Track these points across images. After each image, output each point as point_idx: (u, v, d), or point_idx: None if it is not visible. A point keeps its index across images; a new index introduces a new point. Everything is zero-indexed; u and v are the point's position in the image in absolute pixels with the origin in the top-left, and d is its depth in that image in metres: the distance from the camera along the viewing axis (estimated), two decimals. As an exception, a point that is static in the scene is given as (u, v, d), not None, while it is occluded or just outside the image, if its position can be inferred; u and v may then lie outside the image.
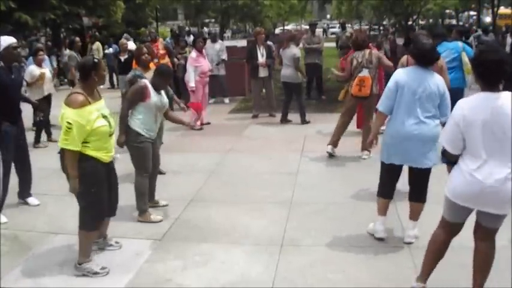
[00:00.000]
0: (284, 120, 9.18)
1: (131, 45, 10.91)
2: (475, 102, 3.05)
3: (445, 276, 3.61)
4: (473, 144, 3.04)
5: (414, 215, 4.25)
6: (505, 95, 3.01)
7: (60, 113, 3.69)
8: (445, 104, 4.05)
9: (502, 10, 31.19)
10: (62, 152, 3.73)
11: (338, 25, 34.24)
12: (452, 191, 3.17)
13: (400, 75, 4.11)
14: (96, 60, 3.82)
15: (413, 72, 4.10)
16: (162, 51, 9.99)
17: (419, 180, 4.18)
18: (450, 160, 3.23)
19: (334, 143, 6.86)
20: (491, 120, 2.96)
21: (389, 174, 4.25)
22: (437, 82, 4.06)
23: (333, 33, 44.24)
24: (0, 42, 4.85)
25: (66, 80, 14.32)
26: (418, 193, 4.21)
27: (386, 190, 4.31)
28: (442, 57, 6.00)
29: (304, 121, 9.03)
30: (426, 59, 4.06)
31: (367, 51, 6.70)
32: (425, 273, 3.37)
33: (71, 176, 3.72)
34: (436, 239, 3.36)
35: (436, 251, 3.34)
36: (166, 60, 10.00)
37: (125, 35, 14.54)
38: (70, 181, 3.73)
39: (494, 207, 3.09)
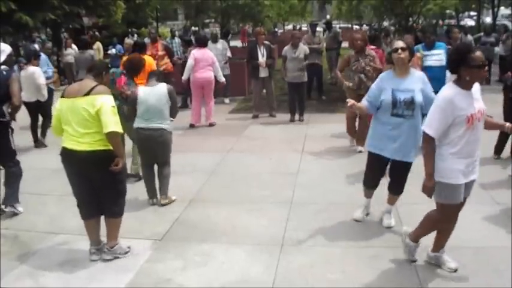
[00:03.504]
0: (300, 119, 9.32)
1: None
2: (460, 98, 3.31)
3: (446, 276, 3.62)
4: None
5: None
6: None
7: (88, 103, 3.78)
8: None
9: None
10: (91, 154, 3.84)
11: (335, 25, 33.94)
12: (443, 172, 3.39)
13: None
14: (108, 64, 4.30)
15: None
16: (161, 53, 9.98)
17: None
18: None
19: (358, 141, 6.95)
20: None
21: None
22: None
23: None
24: (4, 48, 5.06)
25: (66, 80, 14.29)
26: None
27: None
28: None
29: (292, 119, 9.24)
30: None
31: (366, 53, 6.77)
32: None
33: (120, 154, 3.91)
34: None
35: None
36: (166, 61, 10.02)
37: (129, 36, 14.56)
38: (120, 161, 3.88)
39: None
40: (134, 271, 3.91)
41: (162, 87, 5.10)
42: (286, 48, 9.12)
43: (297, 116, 9.29)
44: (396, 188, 4.50)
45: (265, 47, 9.48)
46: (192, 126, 9.03)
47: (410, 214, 4.53)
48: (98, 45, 16.15)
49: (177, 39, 17.27)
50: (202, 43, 9.24)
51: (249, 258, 4.09)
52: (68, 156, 3.91)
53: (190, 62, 8.89)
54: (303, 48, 9.07)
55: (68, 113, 3.88)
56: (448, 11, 36.73)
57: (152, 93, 5.05)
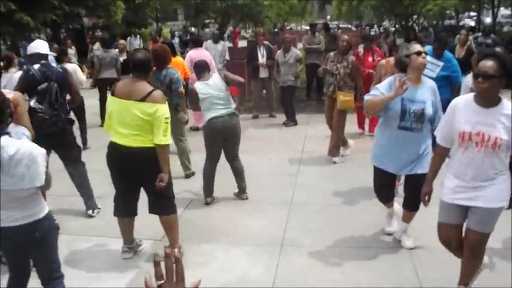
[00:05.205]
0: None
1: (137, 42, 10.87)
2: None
3: (445, 276, 3.63)
4: None
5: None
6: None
7: (147, 111, 3.65)
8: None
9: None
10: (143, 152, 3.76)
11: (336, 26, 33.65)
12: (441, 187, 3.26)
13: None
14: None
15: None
16: None
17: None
18: None
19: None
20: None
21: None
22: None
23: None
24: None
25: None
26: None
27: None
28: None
29: (287, 122, 9.23)
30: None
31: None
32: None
33: (166, 170, 3.80)
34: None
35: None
36: None
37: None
38: (163, 176, 3.77)
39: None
40: (134, 271, 3.92)
41: (216, 76, 5.33)
42: (278, 52, 9.18)
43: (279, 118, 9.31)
44: (412, 204, 4.05)
45: (265, 47, 9.48)
46: (196, 129, 8.73)
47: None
48: (98, 45, 16.15)
49: (176, 40, 17.24)
50: (197, 43, 9.17)
51: (249, 258, 4.10)
52: (114, 150, 3.85)
53: (186, 64, 8.29)
54: (295, 53, 9.07)
55: (118, 114, 3.76)
56: (448, 11, 36.80)
57: (210, 85, 5.15)
